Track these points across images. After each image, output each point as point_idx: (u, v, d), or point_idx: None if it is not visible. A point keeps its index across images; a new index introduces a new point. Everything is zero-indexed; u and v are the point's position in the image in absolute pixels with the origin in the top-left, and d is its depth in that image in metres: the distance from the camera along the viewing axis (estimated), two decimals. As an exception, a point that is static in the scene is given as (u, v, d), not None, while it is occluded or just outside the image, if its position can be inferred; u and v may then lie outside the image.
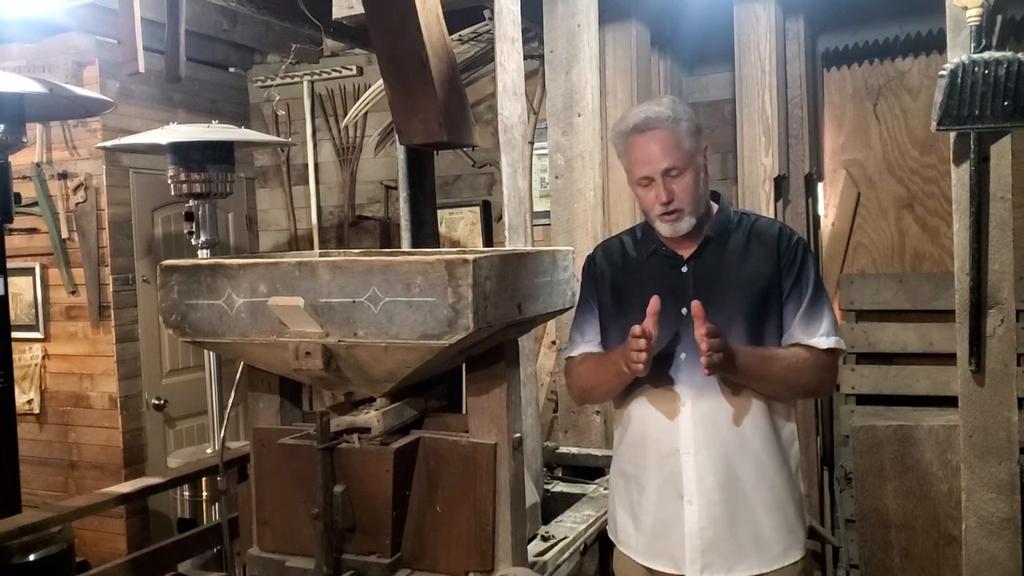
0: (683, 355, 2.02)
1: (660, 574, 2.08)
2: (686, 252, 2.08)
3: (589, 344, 2.20)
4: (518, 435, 1.85)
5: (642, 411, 2.07)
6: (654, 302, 1.92)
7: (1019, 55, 2.34)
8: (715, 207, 2.13)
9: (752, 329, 2.02)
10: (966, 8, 2.37)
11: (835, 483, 4.03)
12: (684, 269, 2.07)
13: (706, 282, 2.04)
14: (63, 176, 4.34)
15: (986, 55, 2.36)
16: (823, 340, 2.01)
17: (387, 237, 4.97)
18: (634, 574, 2.14)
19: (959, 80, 2.37)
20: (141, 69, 2.58)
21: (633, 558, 2.13)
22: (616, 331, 2.14)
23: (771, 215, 3.46)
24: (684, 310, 2.03)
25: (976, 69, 2.36)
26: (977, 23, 2.37)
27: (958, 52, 2.43)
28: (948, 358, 2.88)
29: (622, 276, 2.16)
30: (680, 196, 2.00)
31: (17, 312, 4.48)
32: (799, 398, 2.16)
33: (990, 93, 2.35)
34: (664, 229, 2.04)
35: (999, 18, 2.42)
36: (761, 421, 2.04)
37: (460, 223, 4.80)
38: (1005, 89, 2.34)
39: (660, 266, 2.10)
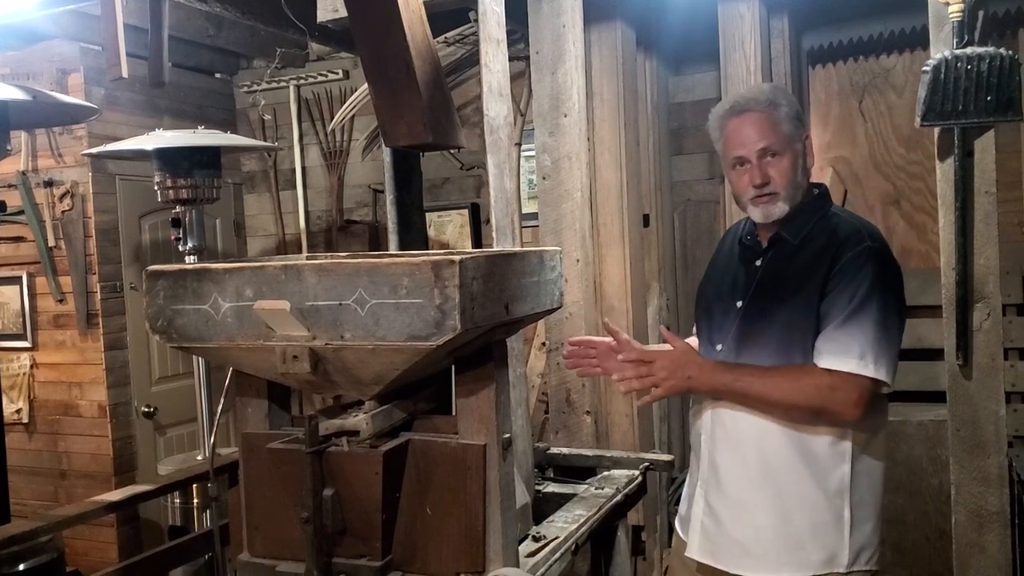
0: (719, 347, 2.03)
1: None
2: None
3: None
4: (507, 436, 1.85)
5: None
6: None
7: (1001, 50, 2.36)
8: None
9: (787, 339, 1.92)
10: (948, 4, 2.38)
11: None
12: (758, 263, 2.03)
13: (769, 281, 1.99)
14: (49, 184, 4.33)
15: (968, 51, 2.37)
16: (828, 360, 1.85)
17: (376, 241, 4.97)
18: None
19: (942, 76, 2.38)
20: (124, 74, 2.57)
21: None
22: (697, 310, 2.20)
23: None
24: (739, 303, 2.02)
25: (959, 65, 2.37)
26: (959, 19, 2.38)
27: (941, 48, 2.44)
28: (936, 353, 2.88)
29: (720, 257, 2.20)
30: (776, 179, 1.96)
31: (4, 321, 4.47)
32: (811, 420, 1.92)
33: (973, 88, 2.36)
34: (756, 214, 2.00)
35: (981, 14, 2.43)
36: (786, 428, 1.94)
37: (449, 226, 4.80)
38: (988, 84, 2.35)
39: (742, 255, 2.08)
